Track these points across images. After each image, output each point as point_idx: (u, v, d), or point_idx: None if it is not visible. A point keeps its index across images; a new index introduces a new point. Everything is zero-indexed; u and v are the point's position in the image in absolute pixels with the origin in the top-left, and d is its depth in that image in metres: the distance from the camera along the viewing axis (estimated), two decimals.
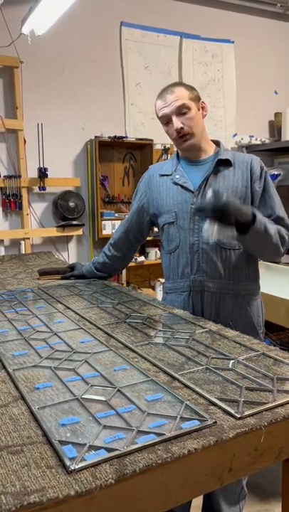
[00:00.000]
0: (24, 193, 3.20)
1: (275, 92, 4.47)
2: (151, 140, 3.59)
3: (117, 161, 3.66)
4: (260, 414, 0.79)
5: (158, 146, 3.66)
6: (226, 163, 1.50)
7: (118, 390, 0.88)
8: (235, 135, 4.20)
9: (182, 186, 1.53)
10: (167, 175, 1.59)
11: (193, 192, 1.51)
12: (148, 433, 0.72)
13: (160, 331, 1.25)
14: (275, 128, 4.34)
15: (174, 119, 1.46)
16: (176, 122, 1.46)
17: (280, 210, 1.48)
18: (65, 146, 3.41)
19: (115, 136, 3.39)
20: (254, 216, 1.29)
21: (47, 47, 3.24)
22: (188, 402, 0.82)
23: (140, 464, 0.64)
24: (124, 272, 3.33)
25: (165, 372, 0.97)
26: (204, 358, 1.05)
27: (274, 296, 2.23)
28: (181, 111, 1.45)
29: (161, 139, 3.73)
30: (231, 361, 1.02)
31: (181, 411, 0.79)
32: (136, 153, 3.72)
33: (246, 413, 0.78)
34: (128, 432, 0.72)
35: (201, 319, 1.35)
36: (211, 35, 4.01)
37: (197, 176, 1.53)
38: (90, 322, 1.34)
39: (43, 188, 3.23)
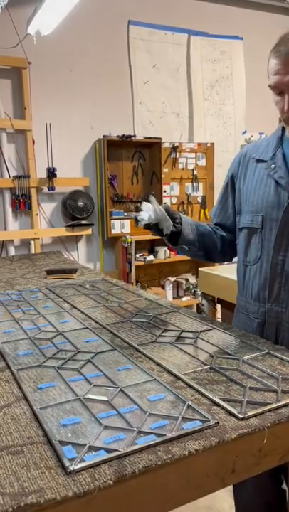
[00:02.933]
0: (33, 193, 3.22)
1: None
2: (160, 138, 3.58)
3: (126, 160, 3.66)
4: (264, 414, 0.77)
5: (166, 145, 3.65)
6: None
7: (121, 390, 0.87)
8: (244, 132, 4.16)
9: (277, 182, 1.15)
10: (263, 161, 1.20)
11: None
12: (149, 434, 0.71)
13: (166, 330, 1.24)
14: None
15: (288, 97, 1.05)
16: (286, 104, 1.05)
17: None
18: (74, 146, 3.42)
19: (124, 135, 3.39)
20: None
21: (54, 47, 3.25)
22: (190, 403, 0.81)
23: (140, 465, 0.64)
24: (133, 271, 3.33)
25: (169, 371, 0.96)
26: (209, 358, 1.03)
27: None
28: None
29: (169, 137, 3.72)
30: (236, 361, 1.01)
31: (183, 411, 0.78)
32: (144, 152, 3.71)
33: (249, 414, 0.77)
34: (129, 432, 0.72)
35: (207, 318, 1.34)
36: (219, 32, 3.98)
37: None
38: (96, 321, 1.34)
39: (52, 188, 3.24)
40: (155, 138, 3.58)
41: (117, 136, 3.40)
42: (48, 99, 3.31)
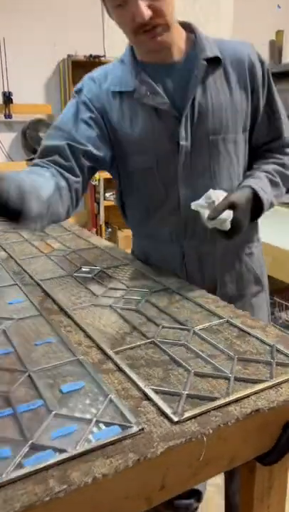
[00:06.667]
0: None
1: (278, 7, 3.92)
2: None
3: None
4: (207, 415, 0.59)
5: None
6: (212, 63, 0.98)
7: (28, 376, 0.67)
8: None
9: (156, 109, 0.99)
10: (128, 92, 1.01)
11: (176, 117, 0.99)
12: (46, 448, 0.52)
13: (110, 289, 1.04)
14: (275, 48, 3.86)
15: None
16: (141, 6, 0.86)
17: (287, 129, 1.08)
18: (34, 67, 2.98)
19: (91, 55, 2.96)
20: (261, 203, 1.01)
21: None
22: (113, 396, 0.62)
23: (17, 505, 0.45)
24: (102, 212, 3.07)
25: (99, 347, 0.77)
26: (153, 327, 0.84)
27: (282, 250, 1.96)
28: None
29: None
30: (186, 332, 0.81)
31: (101, 410, 0.59)
32: None
33: (187, 415, 0.58)
34: (18, 446, 0.53)
35: (163, 275, 1.13)
36: None
37: (172, 89, 0.99)
38: (31, 276, 1.13)
39: (9, 116, 2.87)
40: None
41: (84, 56, 2.97)
42: (1, 7, 2.81)
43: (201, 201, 0.95)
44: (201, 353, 0.74)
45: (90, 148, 1.01)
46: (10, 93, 2.81)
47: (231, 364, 0.70)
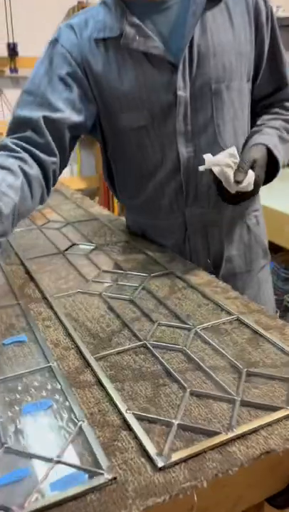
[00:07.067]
0: None
1: None
2: None
3: None
4: (202, 456, 0.45)
5: None
6: None
7: None
8: None
9: (147, 55, 0.82)
10: (114, 38, 0.82)
11: (172, 63, 0.81)
12: None
13: (104, 271, 0.90)
14: None
15: None
16: None
17: (288, 73, 0.96)
18: (42, 14, 2.72)
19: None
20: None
21: None
22: (84, 424, 0.49)
23: None
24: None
25: (79, 350, 0.63)
26: (148, 325, 0.70)
27: (279, 212, 1.81)
28: None
29: None
30: (186, 332, 0.67)
31: (67, 444, 0.46)
32: None
33: (175, 458, 0.45)
34: None
35: (166, 254, 0.97)
36: None
37: (166, 31, 0.83)
38: (16, 254, 0.99)
39: (15, 70, 2.65)
40: None
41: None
42: None
43: (224, 159, 0.78)
44: (201, 362, 0.60)
45: (69, 114, 0.83)
46: (15, 45, 2.57)
47: (238, 380, 0.56)
